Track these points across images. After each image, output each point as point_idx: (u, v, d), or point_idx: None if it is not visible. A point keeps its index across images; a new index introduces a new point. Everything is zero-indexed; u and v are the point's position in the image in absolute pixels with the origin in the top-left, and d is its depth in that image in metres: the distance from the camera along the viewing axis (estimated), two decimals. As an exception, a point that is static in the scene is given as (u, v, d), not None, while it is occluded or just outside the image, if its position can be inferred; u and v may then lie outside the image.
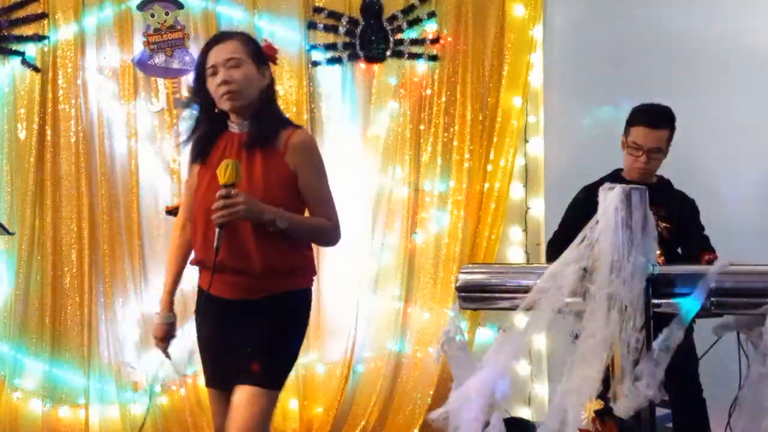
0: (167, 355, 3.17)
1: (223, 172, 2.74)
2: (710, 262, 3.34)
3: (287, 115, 3.17)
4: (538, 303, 2.02)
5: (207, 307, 2.95)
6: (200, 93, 2.94)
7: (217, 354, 2.97)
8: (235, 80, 2.85)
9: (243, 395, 2.85)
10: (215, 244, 2.75)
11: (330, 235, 2.97)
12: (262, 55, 2.95)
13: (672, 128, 3.79)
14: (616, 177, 3.80)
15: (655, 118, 3.74)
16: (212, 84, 2.89)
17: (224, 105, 2.89)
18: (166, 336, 3.14)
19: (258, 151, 2.88)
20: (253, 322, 2.89)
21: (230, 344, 2.91)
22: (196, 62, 3.01)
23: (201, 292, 3.01)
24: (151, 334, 3.19)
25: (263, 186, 2.83)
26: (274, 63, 3.03)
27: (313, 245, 3.07)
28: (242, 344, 2.88)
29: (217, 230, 2.75)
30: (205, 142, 2.96)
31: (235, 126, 2.94)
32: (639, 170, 3.75)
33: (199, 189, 2.95)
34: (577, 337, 2.01)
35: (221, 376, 2.97)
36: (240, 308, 2.91)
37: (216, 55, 2.88)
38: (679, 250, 3.81)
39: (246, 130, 2.91)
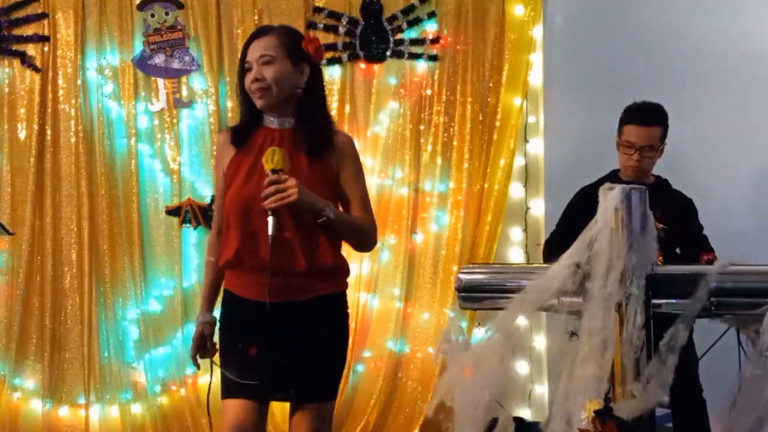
0: (197, 359, 2.93)
1: (271, 158, 2.69)
2: (709, 263, 3.36)
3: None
4: (524, 296, 2.02)
5: (240, 311, 2.83)
6: (241, 87, 2.88)
7: (257, 363, 2.76)
8: (264, 78, 2.79)
9: (309, 411, 2.80)
10: (270, 233, 2.66)
11: (371, 236, 2.92)
12: (300, 52, 2.84)
13: (665, 125, 3.79)
14: (613, 178, 3.80)
15: (646, 116, 3.75)
16: (247, 80, 2.84)
17: (256, 102, 2.84)
18: (201, 337, 2.91)
19: (303, 151, 2.82)
20: (301, 328, 2.76)
21: (274, 353, 2.75)
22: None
23: (230, 296, 2.87)
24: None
25: (308, 185, 2.73)
26: (315, 61, 2.91)
27: None
28: (292, 353, 2.75)
29: (270, 219, 2.67)
30: (242, 133, 2.88)
31: (274, 121, 2.87)
32: (632, 168, 3.75)
33: (235, 183, 2.82)
34: (573, 334, 2.01)
35: (260, 386, 2.76)
36: (283, 312, 2.74)
37: (252, 51, 2.83)
38: (678, 251, 3.81)
39: (287, 127, 2.86)
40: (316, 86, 2.92)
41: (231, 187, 2.83)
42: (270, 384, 2.78)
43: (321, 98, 2.95)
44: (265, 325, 2.73)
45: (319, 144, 2.83)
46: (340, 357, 2.92)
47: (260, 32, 2.90)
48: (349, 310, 2.97)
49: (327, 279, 2.83)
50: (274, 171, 2.68)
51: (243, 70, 2.85)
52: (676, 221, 3.73)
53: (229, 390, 2.80)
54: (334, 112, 4.96)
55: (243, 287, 2.83)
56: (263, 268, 2.71)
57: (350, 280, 4.82)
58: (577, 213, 3.56)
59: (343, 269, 2.91)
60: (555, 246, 3.51)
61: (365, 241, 2.94)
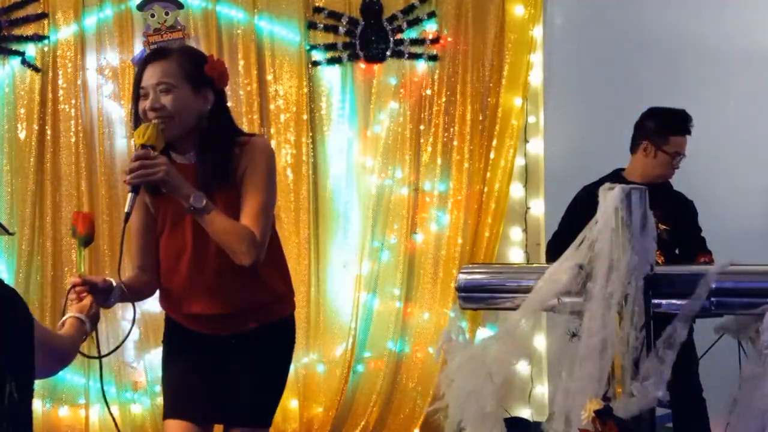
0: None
1: (143, 133, 2.49)
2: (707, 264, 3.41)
3: (242, 128, 2.89)
4: (530, 298, 2.02)
5: (180, 336, 2.76)
6: (135, 114, 2.62)
7: (194, 386, 2.71)
8: (164, 106, 2.53)
9: None
10: (126, 209, 2.50)
11: (243, 245, 2.52)
12: (202, 77, 2.59)
13: None
14: (616, 177, 3.80)
15: (690, 125, 3.86)
16: (141, 108, 2.57)
17: None
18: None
19: (214, 185, 2.57)
20: (237, 357, 2.69)
21: (212, 379, 2.69)
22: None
23: (171, 322, 2.79)
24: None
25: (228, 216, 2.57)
26: (219, 86, 2.65)
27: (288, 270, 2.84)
28: (229, 381, 2.68)
29: (130, 195, 2.48)
30: (145, 189, 2.61)
31: (178, 156, 2.63)
32: (670, 175, 3.87)
33: (164, 233, 2.67)
34: (574, 335, 2.01)
35: (194, 408, 2.71)
36: (220, 342, 2.69)
37: (148, 77, 2.56)
38: (677, 252, 3.82)
39: (193, 162, 2.62)
40: (222, 111, 2.67)
41: (161, 236, 2.69)
42: (204, 408, 2.71)
43: (221, 123, 2.65)
44: (204, 351, 2.70)
45: (224, 175, 2.58)
46: (276, 383, 2.79)
47: (157, 54, 2.65)
48: (294, 335, 2.84)
49: (264, 309, 2.71)
50: (143, 146, 2.48)
51: (137, 95, 2.59)
52: (677, 222, 3.76)
53: (168, 410, 2.76)
54: (333, 113, 4.98)
55: (188, 321, 2.76)
56: (197, 315, 2.66)
57: (350, 280, 4.91)
58: (579, 212, 3.57)
59: (283, 298, 2.76)
60: (558, 246, 3.53)
61: (235, 249, 2.53)
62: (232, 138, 2.65)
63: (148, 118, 2.55)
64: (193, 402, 2.71)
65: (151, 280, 2.76)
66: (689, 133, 3.85)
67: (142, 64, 2.64)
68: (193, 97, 2.58)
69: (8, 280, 4.78)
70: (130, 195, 2.51)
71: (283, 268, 2.79)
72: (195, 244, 2.62)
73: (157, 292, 2.80)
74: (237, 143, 2.63)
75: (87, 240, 2.68)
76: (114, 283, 2.59)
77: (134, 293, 2.71)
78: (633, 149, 3.90)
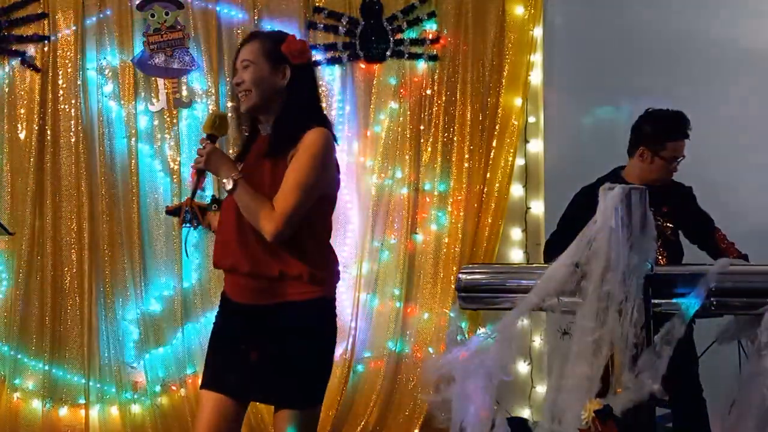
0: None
1: (210, 122, 2.88)
2: (723, 238, 3.49)
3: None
4: (524, 297, 2.02)
5: (224, 310, 2.95)
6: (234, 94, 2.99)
7: (233, 362, 2.84)
8: (244, 80, 2.86)
9: (287, 417, 2.80)
10: (191, 188, 2.91)
11: (262, 219, 2.73)
12: (279, 54, 2.86)
13: None
14: (615, 177, 3.80)
15: (687, 129, 3.82)
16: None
17: (241, 106, 2.93)
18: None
19: (269, 162, 2.82)
20: (273, 333, 2.79)
21: (248, 355, 2.81)
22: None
23: (223, 295, 2.98)
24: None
25: (270, 187, 2.78)
26: (294, 62, 2.87)
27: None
28: (264, 358, 2.79)
29: (194, 177, 2.87)
30: (244, 145, 3.00)
31: (263, 127, 2.95)
32: (669, 178, 3.85)
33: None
34: (565, 332, 2.01)
35: (236, 384, 2.82)
36: (256, 315, 2.82)
37: (238, 57, 2.93)
38: (682, 238, 3.86)
39: (269, 132, 2.90)
40: (300, 87, 2.89)
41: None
42: (243, 384, 2.82)
43: (305, 99, 2.89)
44: (242, 327, 2.84)
45: (280, 146, 2.82)
46: (319, 365, 2.86)
47: (246, 38, 3.00)
48: (333, 315, 2.90)
49: (297, 285, 2.80)
50: (207, 136, 2.87)
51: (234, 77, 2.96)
52: (682, 212, 3.79)
53: (207, 381, 2.89)
54: (333, 113, 4.98)
55: (228, 287, 2.95)
56: (236, 269, 2.84)
57: (350, 280, 4.91)
58: (577, 213, 3.57)
59: (313, 278, 2.81)
60: (555, 246, 3.53)
61: (257, 225, 2.76)
62: (308, 115, 2.86)
63: (236, 93, 2.91)
64: (229, 376, 2.83)
65: None
66: (687, 137, 3.81)
67: (238, 48, 2.97)
68: (270, 72, 2.87)
69: (9, 280, 4.80)
70: (195, 177, 2.89)
71: (318, 253, 2.86)
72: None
73: None
74: (306, 126, 2.82)
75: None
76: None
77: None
78: (630, 153, 3.88)
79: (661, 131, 3.81)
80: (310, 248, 2.82)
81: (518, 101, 5.02)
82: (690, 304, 1.96)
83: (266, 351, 2.79)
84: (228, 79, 4.87)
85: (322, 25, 4.97)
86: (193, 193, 2.92)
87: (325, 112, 3.06)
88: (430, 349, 4.92)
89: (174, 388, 4.86)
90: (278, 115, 2.86)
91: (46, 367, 4.77)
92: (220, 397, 2.82)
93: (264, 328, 2.80)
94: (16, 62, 4.81)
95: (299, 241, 2.79)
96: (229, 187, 2.76)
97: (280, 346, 2.78)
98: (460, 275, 2.29)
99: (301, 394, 2.81)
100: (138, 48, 4.88)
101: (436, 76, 5.01)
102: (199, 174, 2.87)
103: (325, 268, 2.87)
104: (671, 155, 3.79)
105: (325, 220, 2.91)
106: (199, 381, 4.51)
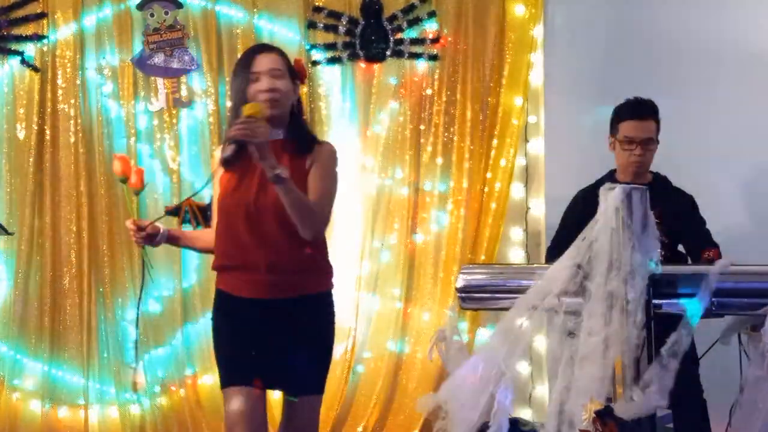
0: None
1: (251, 107, 2.87)
2: (710, 260, 3.36)
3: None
4: (523, 297, 2.02)
5: (233, 307, 3.03)
6: (242, 97, 3.03)
7: (248, 353, 2.97)
8: (278, 89, 3.00)
9: (303, 404, 3.01)
10: (226, 155, 2.88)
11: (313, 217, 2.94)
12: (294, 72, 3.11)
13: (658, 120, 3.81)
14: (610, 179, 3.78)
15: (642, 110, 3.77)
16: (252, 89, 3.00)
17: (267, 111, 2.98)
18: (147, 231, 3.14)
19: (288, 153, 3.00)
20: (290, 324, 2.96)
21: (266, 346, 2.96)
22: (236, 68, 3.11)
23: (224, 294, 3.08)
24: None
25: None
26: (302, 81, 3.17)
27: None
28: (281, 348, 2.95)
29: (231, 146, 2.87)
30: (236, 152, 2.98)
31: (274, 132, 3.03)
32: (635, 164, 3.75)
33: (227, 190, 3.02)
34: (571, 333, 2.01)
35: (257, 374, 2.95)
36: (273, 309, 2.97)
37: (260, 64, 3.02)
38: (681, 248, 3.81)
39: (279, 138, 3.02)
40: (299, 103, 3.16)
41: (226, 193, 3.03)
42: (269, 376, 2.96)
43: (303, 113, 3.25)
44: (258, 320, 2.96)
45: (303, 148, 3.04)
46: (330, 353, 3.12)
47: (265, 47, 3.17)
48: (336, 310, 3.14)
49: (312, 278, 3.04)
50: (250, 117, 2.87)
51: (247, 80, 3.01)
52: (677, 220, 3.71)
53: (234, 378, 2.96)
54: (333, 113, 4.99)
55: (236, 287, 3.03)
56: (251, 267, 2.95)
57: (351, 280, 4.90)
58: (576, 215, 3.56)
59: (323, 273, 3.09)
60: (555, 252, 3.52)
61: (308, 221, 2.93)
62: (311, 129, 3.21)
63: (257, 99, 2.97)
64: (250, 368, 2.94)
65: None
66: (641, 117, 3.73)
67: (250, 54, 3.09)
68: (291, 85, 3.07)
69: (8, 280, 4.79)
70: (231, 146, 2.88)
71: (325, 248, 3.12)
72: (256, 203, 2.95)
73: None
74: (316, 138, 3.16)
75: (139, 192, 3.32)
76: (161, 229, 3.15)
77: (189, 240, 3.29)
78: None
79: (615, 114, 3.82)
80: (321, 244, 3.08)
81: (519, 101, 5.01)
82: (694, 308, 1.95)
83: (288, 342, 2.95)
84: (228, 79, 4.87)
85: (321, 25, 4.96)
86: (228, 162, 2.88)
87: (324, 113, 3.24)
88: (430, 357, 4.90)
89: (173, 388, 4.86)
90: (294, 122, 3.07)
91: (46, 368, 4.76)
92: (250, 392, 2.92)
93: (285, 321, 2.95)
94: (15, 62, 4.81)
95: (320, 240, 3.07)
96: (287, 174, 2.83)
97: (301, 336, 2.97)
98: (460, 275, 2.29)
99: (321, 381, 3.06)
100: (137, 48, 4.88)
101: (436, 76, 5.00)
102: (236, 143, 2.85)
103: (328, 262, 3.12)
104: (623, 136, 3.74)
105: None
106: (199, 381, 4.50)
